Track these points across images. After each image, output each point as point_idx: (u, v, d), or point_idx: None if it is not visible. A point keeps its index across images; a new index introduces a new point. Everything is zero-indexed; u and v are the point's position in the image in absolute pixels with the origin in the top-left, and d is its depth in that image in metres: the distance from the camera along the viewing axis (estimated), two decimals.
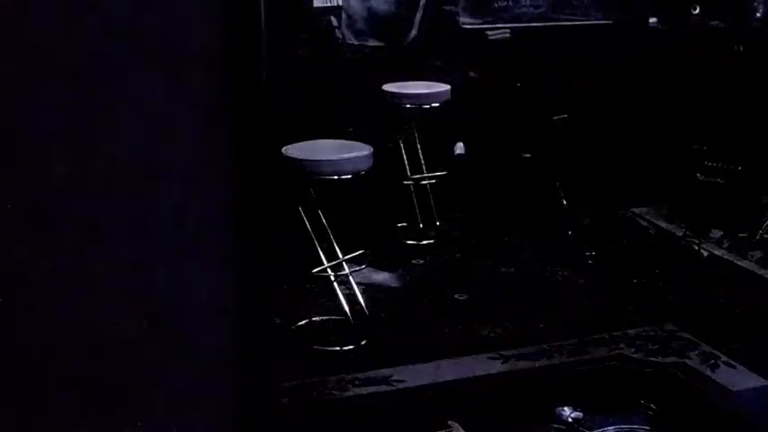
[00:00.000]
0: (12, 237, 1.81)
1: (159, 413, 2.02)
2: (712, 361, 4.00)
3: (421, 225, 5.56)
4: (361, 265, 4.56)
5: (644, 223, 5.68)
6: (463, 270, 5.07)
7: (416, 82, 5.38)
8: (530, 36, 6.05)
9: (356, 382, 3.85)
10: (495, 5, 6.04)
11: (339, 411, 3.66)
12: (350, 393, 3.77)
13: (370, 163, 4.22)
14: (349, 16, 5.50)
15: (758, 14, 6.16)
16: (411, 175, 5.51)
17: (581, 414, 3.30)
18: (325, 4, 5.60)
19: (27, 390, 1.87)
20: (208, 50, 1.85)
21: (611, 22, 6.23)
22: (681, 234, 5.38)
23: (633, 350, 4.11)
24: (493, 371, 3.95)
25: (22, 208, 1.81)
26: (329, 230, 4.36)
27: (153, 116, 1.86)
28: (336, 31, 5.63)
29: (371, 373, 3.91)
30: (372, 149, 4.26)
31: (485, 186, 5.79)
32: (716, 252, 5.21)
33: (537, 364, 4.01)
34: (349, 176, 4.14)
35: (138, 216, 1.90)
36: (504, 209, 5.74)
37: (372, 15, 5.64)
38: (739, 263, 5.09)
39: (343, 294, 4.34)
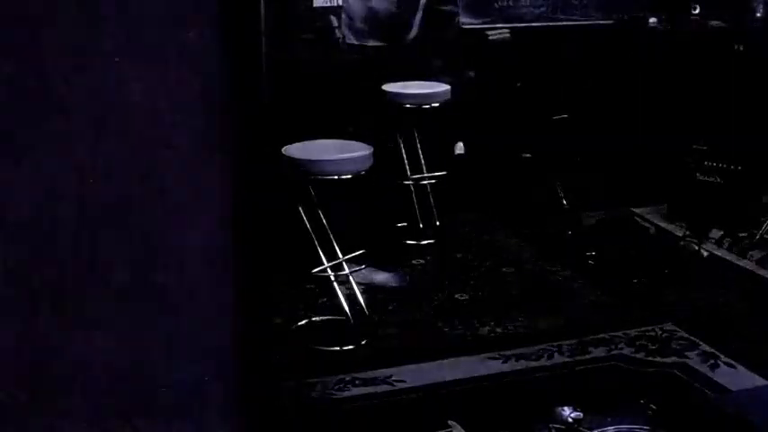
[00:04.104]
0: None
1: (160, 415, 2.02)
2: (712, 361, 4.00)
3: (421, 225, 5.56)
4: (361, 265, 4.56)
5: (644, 223, 5.68)
6: (463, 270, 5.07)
7: (416, 82, 5.38)
8: (530, 36, 6.05)
9: (356, 382, 3.85)
10: (496, 5, 6.04)
11: (339, 411, 3.65)
12: (350, 393, 3.77)
13: (370, 163, 4.22)
14: (349, 16, 5.50)
15: (758, 14, 6.16)
16: (411, 175, 5.51)
17: (581, 414, 3.29)
18: (326, 4, 5.59)
19: None
20: (204, 48, 1.84)
21: (611, 21, 6.23)
22: (681, 234, 5.37)
23: (633, 350, 4.11)
24: (493, 371, 3.95)
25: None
26: (329, 230, 4.36)
27: (150, 118, 1.86)
28: (336, 31, 5.63)
29: (371, 373, 3.91)
30: (372, 149, 4.26)
31: (485, 186, 5.79)
32: (716, 252, 5.21)
33: (537, 364, 4.01)
34: (349, 176, 4.14)
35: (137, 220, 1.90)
36: (504, 209, 5.74)
37: (372, 15, 5.64)
38: (739, 263, 5.09)
39: (343, 294, 4.34)
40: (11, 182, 1.78)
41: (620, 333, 4.26)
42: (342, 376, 3.87)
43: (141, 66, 1.82)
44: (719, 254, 5.19)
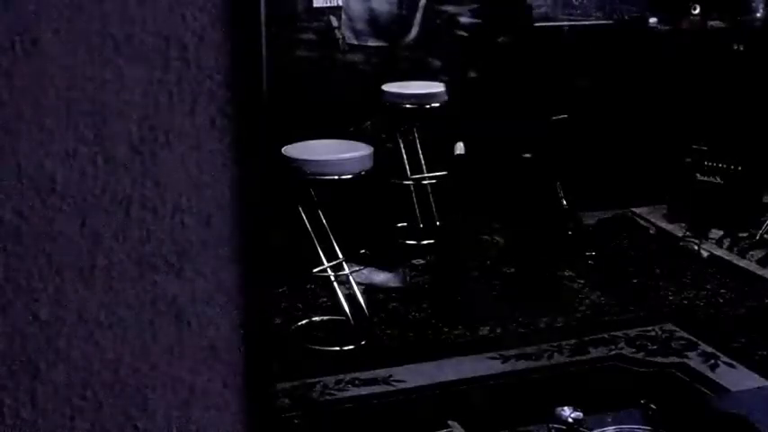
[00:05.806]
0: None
1: (159, 412, 2.01)
2: (712, 361, 4.00)
3: (421, 225, 5.55)
4: (361, 265, 4.56)
5: (644, 223, 5.68)
6: (463, 270, 5.06)
7: (416, 82, 5.38)
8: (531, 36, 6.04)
9: (356, 383, 3.85)
10: None
11: (339, 411, 3.65)
12: (350, 393, 3.77)
13: (370, 163, 4.22)
14: (349, 16, 5.50)
15: (758, 14, 6.16)
16: (411, 175, 5.50)
17: (581, 414, 3.29)
18: (326, 5, 5.59)
19: None
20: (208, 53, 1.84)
21: (611, 21, 6.23)
22: (681, 234, 5.37)
23: (633, 350, 4.11)
24: (493, 371, 3.95)
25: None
26: (329, 230, 4.36)
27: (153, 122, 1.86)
28: (336, 31, 5.63)
29: (371, 373, 3.91)
30: (372, 149, 4.26)
31: (485, 186, 5.78)
32: (716, 252, 5.21)
33: (537, 364, 4.01)
34: (349, 176, 4.14)
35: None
36: (505, 209, 5.74)
37: (372, 15, 5.64)
38: (739, 263, 5.09)
39: (343, 294, 4.34)
40: None
41: (619, 333, 4.27)
42: (341, 376, 3.88)
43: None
44: (719, 254, 5.19)
